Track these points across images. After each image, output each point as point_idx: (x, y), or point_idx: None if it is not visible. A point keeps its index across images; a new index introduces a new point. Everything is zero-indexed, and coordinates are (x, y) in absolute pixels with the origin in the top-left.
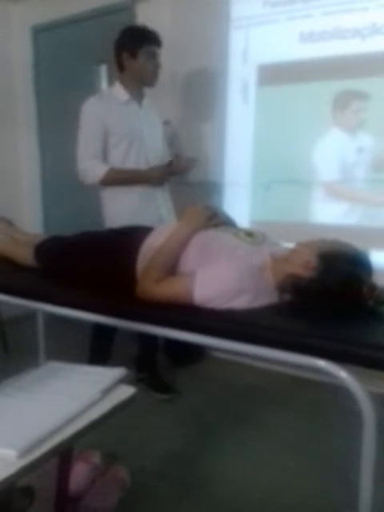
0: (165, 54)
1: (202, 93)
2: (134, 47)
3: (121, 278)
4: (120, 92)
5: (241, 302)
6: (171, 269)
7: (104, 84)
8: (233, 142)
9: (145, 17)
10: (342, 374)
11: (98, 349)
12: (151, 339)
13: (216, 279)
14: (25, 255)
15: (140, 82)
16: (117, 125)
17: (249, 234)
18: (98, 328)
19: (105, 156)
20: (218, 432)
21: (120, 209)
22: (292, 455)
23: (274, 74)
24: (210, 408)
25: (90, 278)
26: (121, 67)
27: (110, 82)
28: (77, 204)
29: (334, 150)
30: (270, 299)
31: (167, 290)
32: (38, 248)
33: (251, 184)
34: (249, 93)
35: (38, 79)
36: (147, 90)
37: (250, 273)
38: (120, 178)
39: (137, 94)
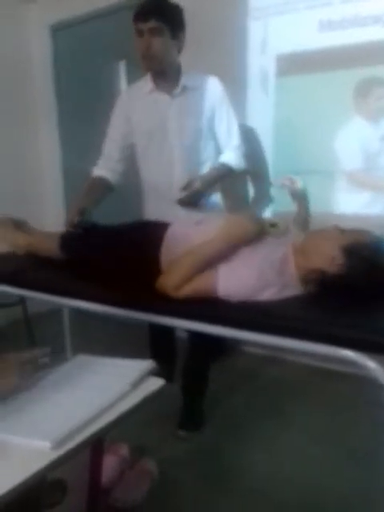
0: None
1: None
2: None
3: (144, 265)
4: (146, 81)
5: (265, 296)
6: (197, 274)
7: (123, 80)
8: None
9: None
10: (370, 364)
11: (159, 350)
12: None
13: (239, 270)
14: (51, 246)
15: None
16: (138, 118)
17: (273, 224)
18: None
19: (125, 154)
20: (245, 423)
21: (159, 205)
22: (319, 446)
23: (294, 64)
24: (236, 400)
25: (115, 266)
26: None
27: (130, 78)
28: (101, 203)
29: (356, 139)
30: (293, 292)
31: (192, 283)
32: (63, 237)
33: (272, 175)
34: (268, 83)
35: (57, 78)
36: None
37: (272, 268)
38: (84, 189)
39: (163, 83)
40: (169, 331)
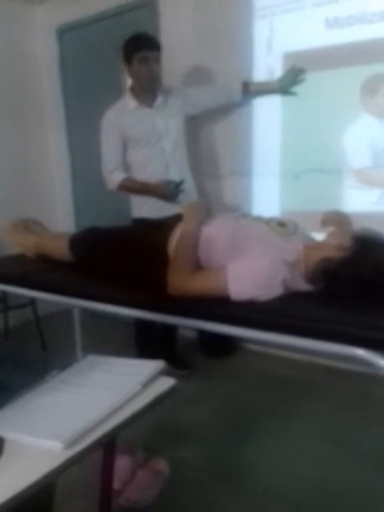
0: (187, 47)
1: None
2: (128, 55)
3: (152, 265)
4: (129, 100)
5: (276, 291)
6: (195, 262)
7: (128, 81)
8: (260, 132)
9: (167, 11)
10: (382, 362)
11: (144, 341)
12: None
13: (248, 268)
14: (60, 248)
15: (140, 87)
16: (131, 130)
17: (281, 224)
18: (140, 323)
19: (126, 161)
20: (255, 423)
21: (144, 199)
22: (330, 445)
23: (301, 62)
24: (246, 399)
25: (124, 267)
26: (128, 76)
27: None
28: (109, 203)
29: (364, 136)
30: (304, 286)
31: (201, 284)
32: (73, 238)
33: (280, 174)
34: None
35: (64, 79)
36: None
37: (283, 263)
38: (132, 188)
39: (146, 99)
40: (154, 327)
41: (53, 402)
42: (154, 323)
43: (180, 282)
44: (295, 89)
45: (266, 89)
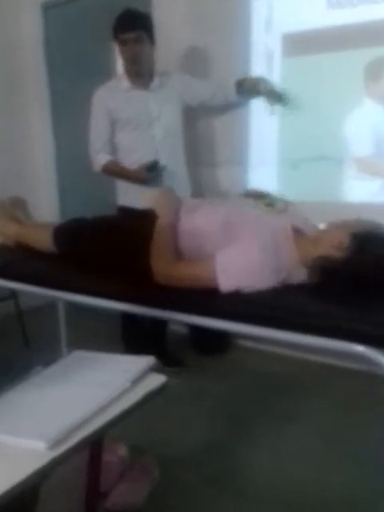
0: (182, 28)
1: (224, 67)
2: (113, 36)
3: (140, 256)
4: (122, 80)
5: (267, 280)
6: (177, 252)
7: (119, 62)
8: (257, 118)
9: None
10: (383, 360)
11: (131, 336)
12: None
13: (238, 258)
14: (43, 239)
15: (127, 69)
16: (121, 111)
17: (269, 204)
18: (126, 316)
19: (114, 143)
20: (248, 423)
21: (128, 185)
22: (326, 446)
23: (301, 44)
24: (239, 398)
25: (110, 258)
26: None
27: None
28: (97, 189)
29: (367, 123)
30: (297, 276)
31: (188, 271)
32: (57, 230)
33: (277, 162)
34: (274, 64)
35: (49, 58)
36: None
37: (274, 242)
38: (114, 171)
39: (141, 80)
40: (141, 321)
41: (37, 399)
42: (142, 317)
43: (166, 268)
44: (297, 69)
45: (256, 90)
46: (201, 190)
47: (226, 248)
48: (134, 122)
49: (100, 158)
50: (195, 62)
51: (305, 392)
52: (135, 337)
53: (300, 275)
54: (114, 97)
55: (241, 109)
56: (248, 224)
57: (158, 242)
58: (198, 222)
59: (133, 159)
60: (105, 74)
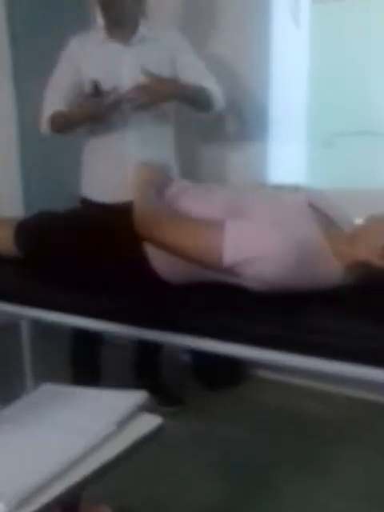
0: None
1: (237, 15)
2: None
3: (125, 260)
4: (99, 30)
5: (284, 271)
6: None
7: (97, 17)
8: (280, 81)
9: None
10: None
11: (83, 364)
12: None
13: (250, 226)
14: (2, 238)
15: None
16: (89, 67)
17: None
18: (78, 339)
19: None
20: (268, 478)
21: (93, 172)
22: (367, 507)
23: None
24: (255, 446)
25: (89, 265)
26: None
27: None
28: (70, 173)
29: None
30: (327, 276)
31: (185, 235)
32: (20, 226)
33: (307, 138)
34: (301, 11)
35: (11, 12)
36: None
37: (293, 218)
38: (61, 124)
39: (121, 32)
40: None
41: None
42: (100, 336)
43: (154, 222)
44: (331, 19)
45: None
46: (203, 175)
47: (239, 218)
48: (101, 82)
49: (46, 111)
50: (202, 9)
51: (340, 436)
52: (86, 363)
53: (332, 272)
54: (85, 48)
55: (258, 66)
56: (258, 202)
57: (142, 204)
58: (191, 204)
59: (97, 132)
60: (79, 29)
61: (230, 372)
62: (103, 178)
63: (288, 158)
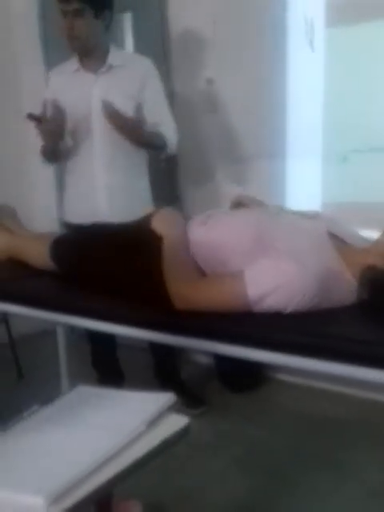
0: None
1: (253, 39)
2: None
3: (152, 275)
4: (73, 60)
5: (306, 300)
6: (196, 270)
7: (129, 36)
8: (296, 101)
9: None
10: None
11: (106, 369)
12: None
13: (271, 269)
14: (39, 253)
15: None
16: (65, 99)
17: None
18: (96, 345)
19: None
20: (289, 476)
21: (77, 196)
22: None
23: (348, 9)
24: (278, 446)
25: (119, 278)
26: None
27: (136, 34)
28: None
29: None
30: (344, 295)
31: (213, 290)
32: (54, 244)
33: (322, 154)
34: (315, 36)
35: (45, 34)
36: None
37: (313, 250)
38: (47, 153)
39: (91, 61)
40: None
41: (33, 445)
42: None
43: (186, 289)
44: (345, 42)
45: None
46: (216, 195)
47: (256, 261)
48: (73, 112)
49: (40, 144)
50: (216, 33)
51: (360, 438)
52: (108, 366)
53: (347, 290)
54: (59, 79)
55: (276, 86)
56: (282, 233)
57: (171, 262)
58: (217, 234)
59: (72, 162)
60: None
61: (252, 376)
62: (75, 201)
63: (305, 173)
